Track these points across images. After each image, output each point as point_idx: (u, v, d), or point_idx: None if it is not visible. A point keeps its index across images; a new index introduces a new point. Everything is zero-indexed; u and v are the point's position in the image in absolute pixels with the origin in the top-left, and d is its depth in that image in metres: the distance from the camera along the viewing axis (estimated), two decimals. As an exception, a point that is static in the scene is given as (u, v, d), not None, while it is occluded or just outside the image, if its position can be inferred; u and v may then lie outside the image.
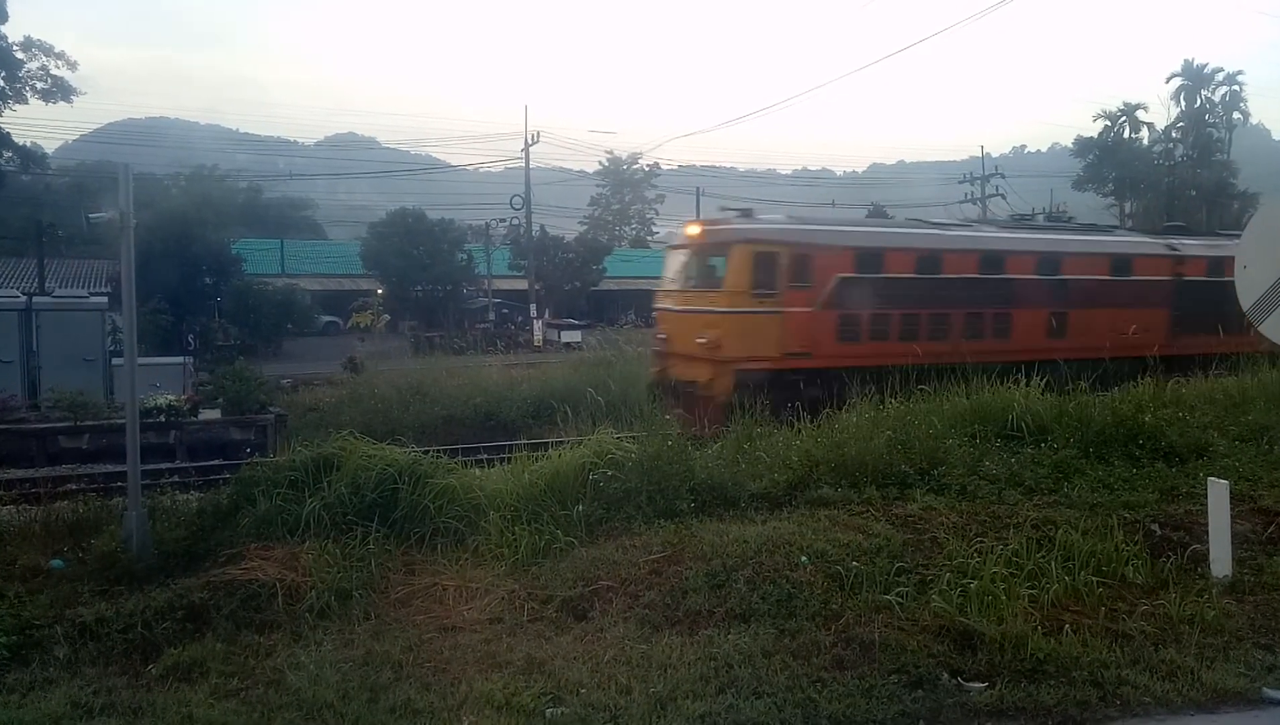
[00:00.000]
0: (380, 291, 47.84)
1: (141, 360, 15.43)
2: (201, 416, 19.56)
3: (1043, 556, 7.24)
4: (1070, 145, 62.63)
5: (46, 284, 30.39)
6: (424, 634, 6.38)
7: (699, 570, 6.88)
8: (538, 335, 43.34)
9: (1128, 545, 7.58)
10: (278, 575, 6.97)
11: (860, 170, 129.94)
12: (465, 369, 28.39)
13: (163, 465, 16.26)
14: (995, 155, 69.64)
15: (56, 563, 7.67)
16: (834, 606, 6.50)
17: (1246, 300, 7.95)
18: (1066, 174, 60.52)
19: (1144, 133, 60.08)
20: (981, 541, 7.44)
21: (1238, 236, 9.18)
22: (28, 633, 6.41)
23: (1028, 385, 11.41)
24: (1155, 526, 8.11)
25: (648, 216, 79.38)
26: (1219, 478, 7.66)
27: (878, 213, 50.91)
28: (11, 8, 37.09)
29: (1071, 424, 10.26)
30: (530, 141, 45.97)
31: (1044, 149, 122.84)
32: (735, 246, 16.92)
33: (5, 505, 9.27)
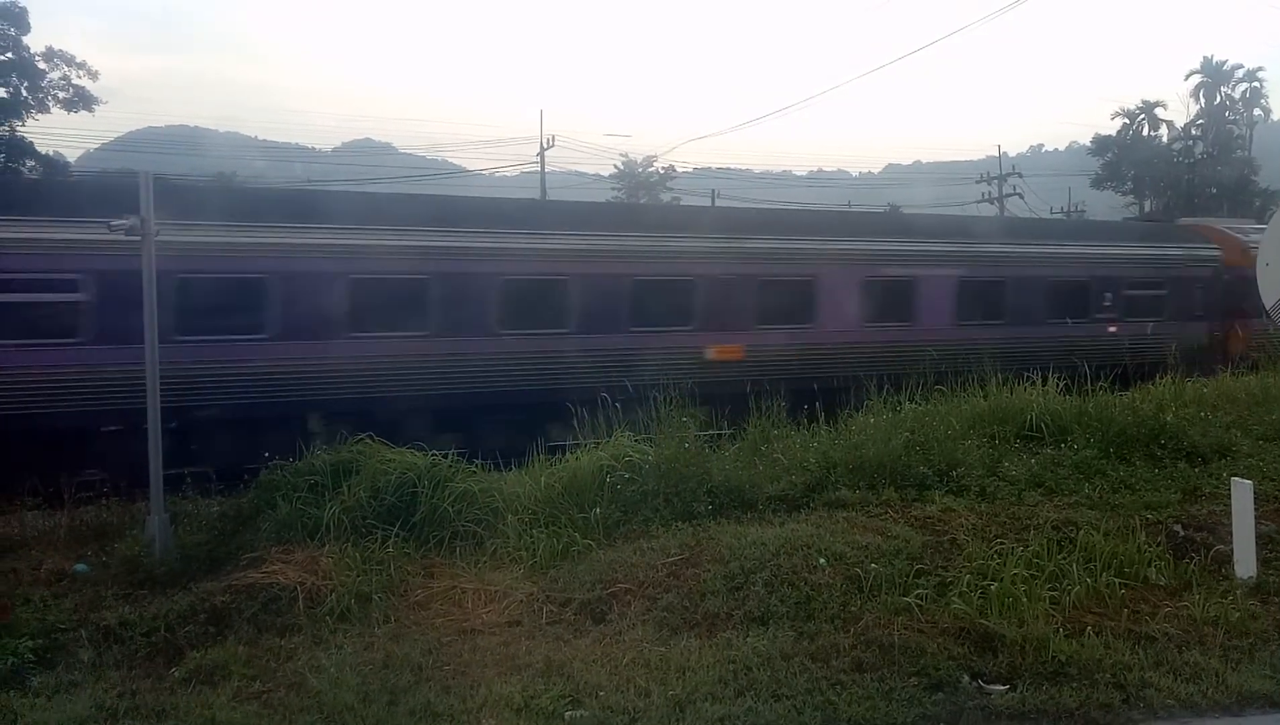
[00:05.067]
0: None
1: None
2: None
3: (1064, 558, 7.19)
4: (1089, 144, 62.15)
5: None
6: (443, 637, 6.41)
7: (717, 573, 6.87)
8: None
9: (1150, 546, 7.51)
10: (298, 579, 7.01)
11: (876, 171, 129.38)
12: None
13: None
14: (1013, 154, 69.28)
15: (80, 567, 7.76)
16: (853, 609, 6.48)
17: (1269, 298, 7.87)
18: (1085, 172, 59.93)
19: (1163, 130, 59.54)
20: (1001, 543, 7.40)
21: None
22: (53, 636, 6.48)
23: None
24: (1178, 527, 8.03)
25: (663, 219, 78.98)
26: (1242, 478, 7.58)
27: (894, 214, 50.66)
28: (34, 19, 37.55)
29: (1092, 424, 10.18)
30: (546, 145, 45.94)
31: (1062, 147, 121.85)
32: None
33: (30, 510, 9.39)
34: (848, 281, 16.55)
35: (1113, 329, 18.75)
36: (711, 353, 15.22)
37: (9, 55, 36.78)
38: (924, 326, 17.06)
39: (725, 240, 15.84)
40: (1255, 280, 8.03)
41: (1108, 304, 19.14)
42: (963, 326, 17.32)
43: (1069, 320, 18.52)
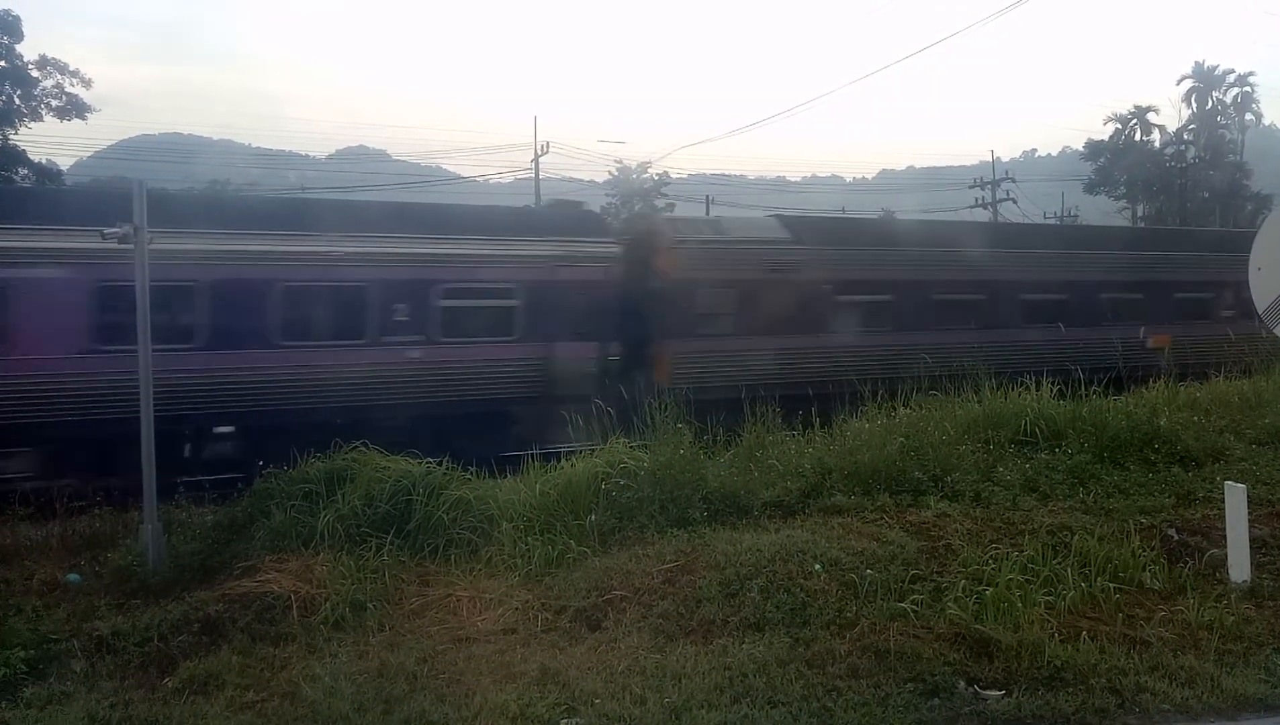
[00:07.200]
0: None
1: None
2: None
3: (1058, 563, 7.21)
4: (1081, 148, 62.38)
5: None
6: (438, 645, 6.39)
7: (712, 579, 6.87)
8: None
9: (1144, 551, 7.53)
10: (292, 587, 6.99)
11: (871, 176, 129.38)
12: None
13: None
14: (1006, 159, 69.41)
15: (73, 577, 7.72)
16: (848, 615, 6.49)
17: (1261, 303, 7.90)
18: (1077, 177, 60.13)
19: (1155, 135, 59.77)
20: (996, 548, 7.41)
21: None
22: (45, 647, 6.45)
23: None
24: (1172, 531, 8.05)
25: (658, 225, 78.68)
26: (1236, 482, 7.60)
27: (888, 219, 50.75)
28: (27, 27, 37.56)
29: (1086, 429, 10.20)
30: (540, 152, 45.91)
31: (1054, 152, 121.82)
32: None
33: (23, 519, 9.34)
34: None
35: None
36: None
37: (2, 63, 36.74)
38: None
39: None
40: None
41: None
42: None
43: None
